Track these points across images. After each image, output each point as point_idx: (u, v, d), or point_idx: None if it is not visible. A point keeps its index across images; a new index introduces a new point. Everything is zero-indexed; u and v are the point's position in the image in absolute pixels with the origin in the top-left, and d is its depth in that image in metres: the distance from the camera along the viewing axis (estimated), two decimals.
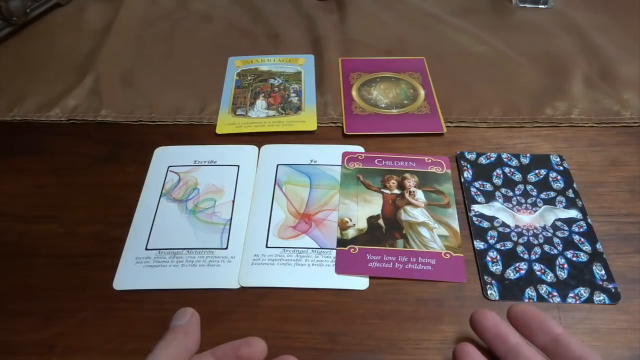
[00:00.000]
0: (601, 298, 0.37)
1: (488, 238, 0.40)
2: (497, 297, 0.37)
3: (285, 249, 0.39)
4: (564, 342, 0.30)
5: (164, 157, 0.47)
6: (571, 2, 0.64)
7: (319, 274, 0.38)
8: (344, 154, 0.46)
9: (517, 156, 0.46)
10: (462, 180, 0.44)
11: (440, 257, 0.39)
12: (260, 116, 0.50)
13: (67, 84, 0.53)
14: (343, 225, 0.41)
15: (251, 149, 0.47)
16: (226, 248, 0.40)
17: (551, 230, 0.41)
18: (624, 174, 0.45)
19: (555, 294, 0.37)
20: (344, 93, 0.53)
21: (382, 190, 0.44)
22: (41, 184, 0.44)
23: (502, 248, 0.39)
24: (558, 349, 0.30)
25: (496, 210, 0.42)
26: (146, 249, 0.40)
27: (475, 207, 0.42)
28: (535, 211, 0.42)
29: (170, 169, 0.45)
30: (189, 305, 0.36)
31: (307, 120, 0.50)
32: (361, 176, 0.44)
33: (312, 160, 0.46)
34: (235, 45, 0.59)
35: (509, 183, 0.44)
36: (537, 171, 0.45)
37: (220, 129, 0.49)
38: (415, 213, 0.42)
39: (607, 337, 0.35)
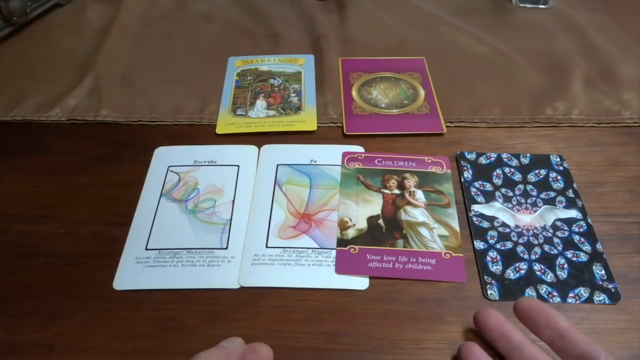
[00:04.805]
0: (601, 298, 0.37)
1: (488, 238, 0.40)
2: (497, 297, 0.37)
3: (285, 249, 0.39)
4: (569, 337, 0.30)
5: (164, 157, 0.47)
6: (571, 2, 0.64)
7: (319, 274, 0.38)
8: (344, 154, 0.46)
9: (517, 156, 0.46)
10: (462, 180, 0.44)
11: (440, 257, 0.39)
12: (260, 116, 0.50)
13: (67, 84, 0.53)
14: (343, 225, 0.41)
15: (251, 149, 0.47)
16: (226, 248, 0.40)
17: (551, 230, 0.41)
18: (624, 174, 0.45)
19: (555, 294, 0.37)
20: (344, 93, 0.53)
21: (382, 190, 0.44)
22: (41, 184, 0.44)
23: (502, 248, 0.39)
24: (564, 343, 0.30)
25: (496, 210, 0.42)
26: (146, 249, 0.40)
27: (475, 207, 0.42)
28: (535, 211, 0.42)
29: (170, 169, 0.45)
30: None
31: (307, 120, 0.50)
32: (361, 176, 0.44)
33: (312, 160, 0.46)
34: (235, 45, 0.59)
35: (509, 183, 0.44)
36: (537, 171, 0.45)
37: (220, 129, 0.49)
38: (415, 213, 0.42)
39: (607, 337, 0.35)
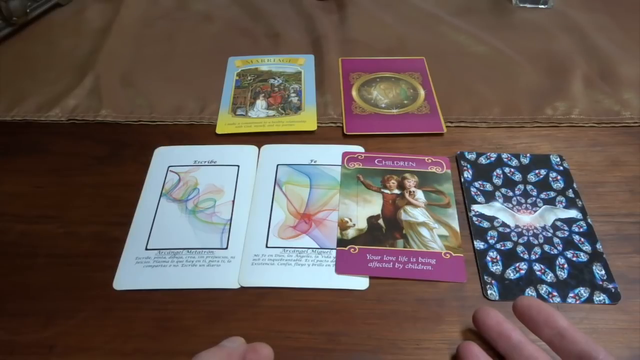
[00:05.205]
0: (601, 298, 0.37)
1: (488, 238, 0.40)
2: (497, 297, 0.37)
3: (285, 249, 0.40)
4: (569, 336, 0.30)
5: (164, 157, 0.47)
6: (571, 2, 0.64)
7: (319, 274, 0.38)
8: (344, 154, 0.46)
9: (517, 156, 0.46)
10: (462, 180, 0.44)
11: (440, 257, 0.39)
12: (260, 116, 0.50)
13: (67, 84, 0.53)
14: (343, 225, 0.41)
15: (251, 149, 0.47)
16: (226, 248, 0.40)
17: (551, 230, 0.41)
18: (624, 174, 0.45)
19: (555, 294, 0.37)
20: (344, 93, 0.53)
21: (382, 190, 0.44)
22: (41, 184, 0.44)
23: (502, 248, 0.39)
24: (563, 342, 0.30)
25: (496, 210, 0.42)
26: (146, 249, 0.40)
27: (475, 207, 0.42)
28: (535, 211, 0.42)
29: (170, 169, 0.45)
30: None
31: (307, 120, 0.50)
32: (361, 176, 0.44)
33: (312, 160, 0.46)
34: (235, 45, 0.59)
35: (509, 183, 0.44)
36: (537, 171, 0.45)
37: (220, 129, 0.49)
38: (415, 213, 0.42)
39: (607, 337, 0.35)
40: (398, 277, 0.38)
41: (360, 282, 0.38)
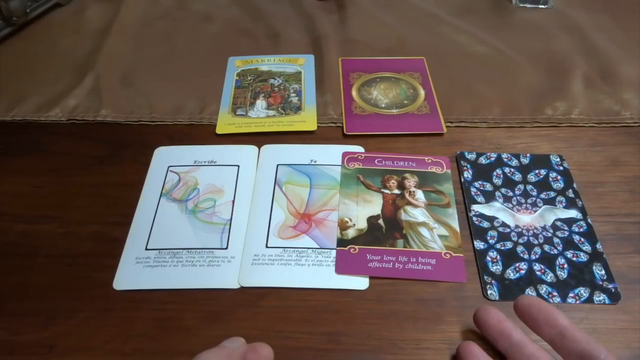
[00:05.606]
0: (601, 298, 0.37)
1: (488, 238, 0.40)
2: (497, 297, 0.37)
3: (285, 249, 0.40)
4: (570, 335, 0.30)
5: (164, 157, 0.47)
6: (571, 2, 0.64)
7: (319, 274, 0.38)
8: (344, 154, 0.46)
9: (517, 156, 0.46)
10: (462, 180, 0.44)
11: (440, 257, 0.39)
12: (260, 116, 0.50)
13: (67, 84, 0.53)
14: (343, 225, 0.41)
15: (251, 149, 0.47)
16: (226, 248, 0.40)
17: (551, 230, 0.41)
18: (624, 174, 0.45)
19: (555, 294, 0.37)
20: (344, 93, 0.53)
21: (382, 190, 0.44)
22: (41, 184, 0.44)
23: (502, 248, 0.39)
24: (564, 341, 0.30)
25: (496, 210, 0.42)
26: (146, 249, 0.40)
27: (475, 207, 0.42)
28: (535, 211, 0.42)
29: (170, 169, 0.45)
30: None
31: (307, 120, 0.50)
32: (361, 176, 0.44)
33: (312, 160, 0.46)
34: (235, 45, 0.59)
35: (509, 183, 0.44)
36: (537, 171, 0.45)
37: (220, 129, 0.49)
38: (415, 213, 0.42)
39: (607, 337, 0.35)
40: (398, 277, 0.38)
41: (360, 282, 0.38)
